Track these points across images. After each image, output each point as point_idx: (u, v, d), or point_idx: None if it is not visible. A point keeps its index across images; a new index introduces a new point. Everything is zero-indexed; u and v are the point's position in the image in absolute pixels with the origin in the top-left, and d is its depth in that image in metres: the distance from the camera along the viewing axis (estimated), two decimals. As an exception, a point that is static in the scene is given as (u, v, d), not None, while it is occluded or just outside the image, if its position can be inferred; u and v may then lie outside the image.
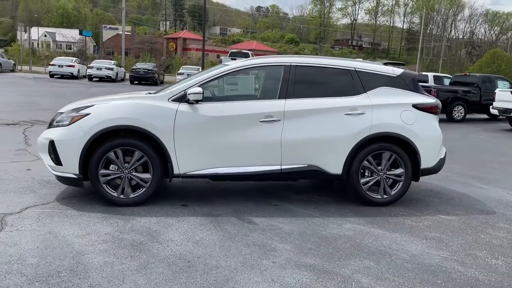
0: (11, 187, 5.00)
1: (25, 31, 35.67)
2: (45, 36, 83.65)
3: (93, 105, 4.57)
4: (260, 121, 4.63)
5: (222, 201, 4.90)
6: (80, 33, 56.51)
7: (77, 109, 4.58)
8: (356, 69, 4.98)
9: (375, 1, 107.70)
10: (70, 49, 72.19)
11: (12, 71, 31.97)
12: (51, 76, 29.26)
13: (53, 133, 4.55)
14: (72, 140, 4.41)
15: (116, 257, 3.32)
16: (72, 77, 28.52)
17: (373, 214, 4.70)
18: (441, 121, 5.40)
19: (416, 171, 5.03)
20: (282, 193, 5.40)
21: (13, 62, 32.65)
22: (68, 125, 4.48)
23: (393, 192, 5.01)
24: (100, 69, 28.64)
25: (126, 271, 3.11)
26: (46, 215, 4.17)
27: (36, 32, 74.30)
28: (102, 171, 4.50)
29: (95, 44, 78.11)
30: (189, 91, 4.51)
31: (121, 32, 43.93)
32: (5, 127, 9.61)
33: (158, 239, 3.72)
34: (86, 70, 29.66)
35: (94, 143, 4.44)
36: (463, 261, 3.59)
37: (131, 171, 4.55)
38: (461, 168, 7.59)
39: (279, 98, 4.77)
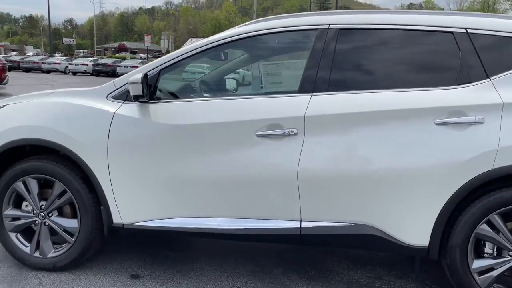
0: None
1: (168, 41, 37.94)
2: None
3: (4, 106, 2.92)
4: (257, 135, 2.43)
5: (201, 269, 2.81)
6: (226, 41, 59.07)
7: None
8: (469, 31, 2.39)
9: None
10: (220, 56, 76.52)
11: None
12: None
13: None
14: None
15: None
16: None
17: None
18: None
19: None
20: (323, 257, 3.05)
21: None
22: None
23: (550, 297, 2.29)
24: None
25: None
26: None
27: (190, 42, 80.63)
28: (8, 212, 2.82)
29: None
30: (129, 79, 2.53)
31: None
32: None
33: None
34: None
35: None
36: None
37: (50, 213, 2.78)
38: None
39: (300, 91, 2.49)
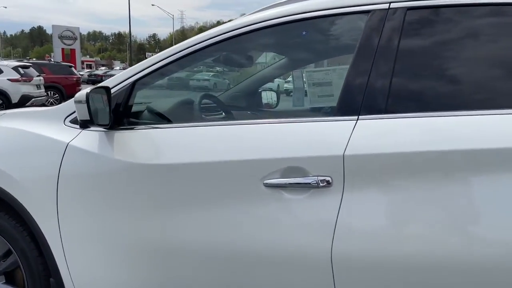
0: None
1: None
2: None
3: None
4: (266, 185, 1.48)
5: None
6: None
7: None
8: None
9: None
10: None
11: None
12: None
13: None
14: None
15: None
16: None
17: None
18: None
19: None
20: None
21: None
22: None
23: None
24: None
25: None
26: None
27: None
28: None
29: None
30: (75, 97, 1.71)
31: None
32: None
33: None
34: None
35: None
36: None
37: (-5, 279, 2.04)
38: None
39: (338, 113, 1.51)
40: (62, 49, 36.49)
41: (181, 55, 1.78)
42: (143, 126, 1.80)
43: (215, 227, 1.56)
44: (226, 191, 1.55)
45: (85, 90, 1.63)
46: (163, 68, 1.80)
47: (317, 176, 1.42)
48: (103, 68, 60.65)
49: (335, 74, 2.62)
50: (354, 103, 1.47)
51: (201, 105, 2.10)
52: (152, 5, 53.76)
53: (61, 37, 37.08)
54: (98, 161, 1.73)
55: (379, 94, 1.45)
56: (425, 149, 1.34)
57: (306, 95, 2.82)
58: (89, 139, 1.77)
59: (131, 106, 1.83)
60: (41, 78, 13.48)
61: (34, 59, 29.65)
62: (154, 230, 1.65)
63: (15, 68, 12.64)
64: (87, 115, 1.61)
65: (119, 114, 1.77)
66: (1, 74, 12.30)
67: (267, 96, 3.00)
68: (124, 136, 1.76)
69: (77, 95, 1.64)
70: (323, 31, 1.80)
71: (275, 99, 2.98)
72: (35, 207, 1.81)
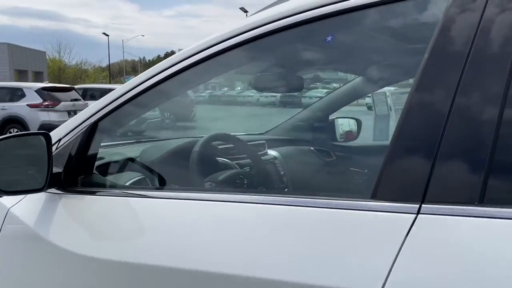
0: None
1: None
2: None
3: None
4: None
5: None
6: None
7: None
8: None
9: None
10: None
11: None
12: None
13: None
14: None
15: None
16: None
17: None
18: None
19: None
20: None
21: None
22: None
23: None
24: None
25: None
26: None
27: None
28: None
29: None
30: None
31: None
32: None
33: None
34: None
35: None
36: None
37: None
38: None
39: (380, 194, 0.74)
40: (185, 71, 38.98)
41: (178, 69, 1.11)
42: (106, 191, 1.23)
43: None
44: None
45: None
46: (146, 93, 1.16)
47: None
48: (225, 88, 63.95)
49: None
50: (412, 173, 0.70)
51: (209, 151, 1.44)
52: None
53: (184, 60, 39.79)
54: (33, 240, 1.19)
55: (470, 156, 0.67)
56: None
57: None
58: (32, 205, 1.24)
59: (93, 158, 1.27)
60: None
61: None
62: None
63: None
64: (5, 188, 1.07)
65: (74, 171, 1.22)
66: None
67: (349, 124, 2.30)
68: (76, 205, 1.20)
69: None
70: (367, 30, 1.03)
71: (355, 128, 2.26)
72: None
